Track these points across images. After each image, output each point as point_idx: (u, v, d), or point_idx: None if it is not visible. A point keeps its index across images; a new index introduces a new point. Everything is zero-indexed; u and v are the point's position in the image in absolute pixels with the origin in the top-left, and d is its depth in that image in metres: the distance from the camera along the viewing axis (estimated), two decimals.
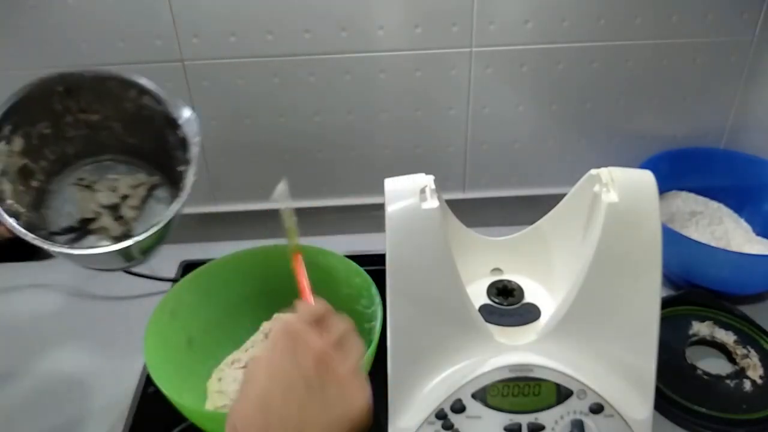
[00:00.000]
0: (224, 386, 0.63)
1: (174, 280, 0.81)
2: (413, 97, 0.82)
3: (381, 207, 0.51)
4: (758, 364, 0.66)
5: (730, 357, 0.68)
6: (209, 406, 0.62)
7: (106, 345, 0.73)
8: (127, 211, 0.65)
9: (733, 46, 0.81)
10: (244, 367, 0.64)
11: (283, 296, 0.66)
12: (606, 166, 0.53)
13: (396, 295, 0.51)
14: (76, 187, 0.65)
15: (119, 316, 0.78)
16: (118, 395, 0.66)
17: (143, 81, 0.61)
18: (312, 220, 0.88)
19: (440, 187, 0.52)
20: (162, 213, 0.60)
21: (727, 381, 0.65)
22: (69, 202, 0.65)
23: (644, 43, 0.79)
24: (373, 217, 0.86)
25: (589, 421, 0.50)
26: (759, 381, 0.65)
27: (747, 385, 0.65)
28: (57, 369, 0.70)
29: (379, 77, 0.80)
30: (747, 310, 0.73)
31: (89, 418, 0.65)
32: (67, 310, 0.79)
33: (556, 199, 0.59)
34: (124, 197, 0.65)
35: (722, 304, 0.73)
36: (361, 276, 0.64)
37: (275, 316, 0.69)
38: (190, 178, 0.60)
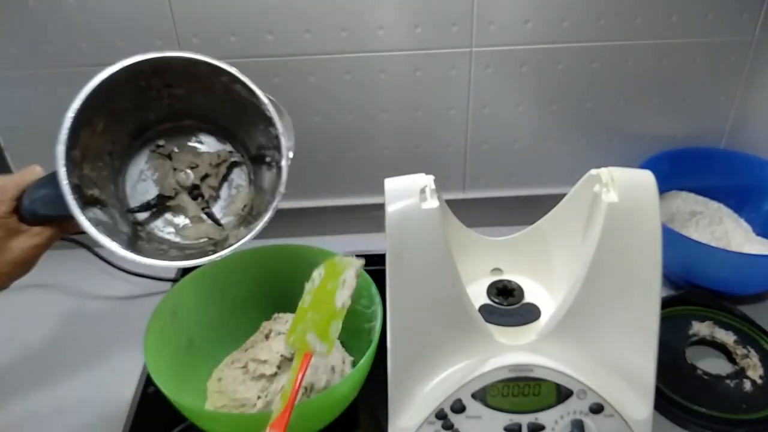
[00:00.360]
0: (224, 386, 0.63)
1: (174, 280, 0.81)
2: (413, 97, 0.82)
3: (381, 207, 0.51)
4: (758, 364, 0.66)
5: (730, 357, 0.68)
6: (209, 406, 0.62)
7: (106, 345, 0.73)
8: (206, 190, 0.62)
9: (733, 46, 0.81)
10: (244, 366, 0.64)
11: (283, 296, 0.66)
12: (606, 166, 0.53)
13: (396, 295, 0.51)
14: (154, 155, 0.62)
15: (119, 316, 0.78)
16: (118, 395, 0.67)
17: (240, 73, 0.58)
18: (312, 220, 0.88)
19: (440, 187, 0.52)
20: (239, 195, 0.61)
21: (727, 381, 0.65)
22: (147, 173, 0.62)
23: (644, 43, 0.79)
24: (373, 217, 0.86)
25: (589, 421, 0.50)
26: (759, 381, 0.65)
27: (747, 385, 0.65)
28: (57, 369, 0.70)
29: (379, 77, 0.80)
30: (747, 310, 0.73)
31: (89, 418, 0.65)
32: (67, 310, 0.79)
33: (556, 199, 0.59)
34: (204, 177, 0.62)
35: (722, 304, 0.73)
36: (361, 276, 0.63)
37: (275, 316, 0.69)
38: (279, 191, 0.58)
